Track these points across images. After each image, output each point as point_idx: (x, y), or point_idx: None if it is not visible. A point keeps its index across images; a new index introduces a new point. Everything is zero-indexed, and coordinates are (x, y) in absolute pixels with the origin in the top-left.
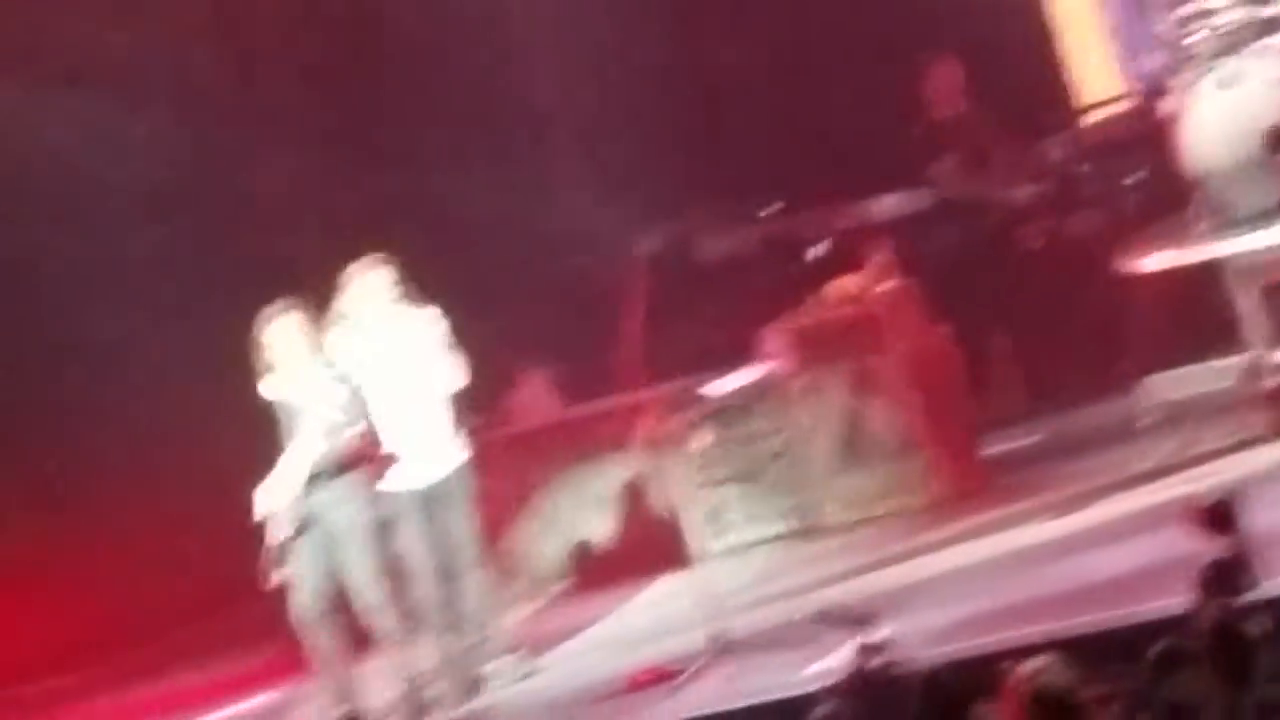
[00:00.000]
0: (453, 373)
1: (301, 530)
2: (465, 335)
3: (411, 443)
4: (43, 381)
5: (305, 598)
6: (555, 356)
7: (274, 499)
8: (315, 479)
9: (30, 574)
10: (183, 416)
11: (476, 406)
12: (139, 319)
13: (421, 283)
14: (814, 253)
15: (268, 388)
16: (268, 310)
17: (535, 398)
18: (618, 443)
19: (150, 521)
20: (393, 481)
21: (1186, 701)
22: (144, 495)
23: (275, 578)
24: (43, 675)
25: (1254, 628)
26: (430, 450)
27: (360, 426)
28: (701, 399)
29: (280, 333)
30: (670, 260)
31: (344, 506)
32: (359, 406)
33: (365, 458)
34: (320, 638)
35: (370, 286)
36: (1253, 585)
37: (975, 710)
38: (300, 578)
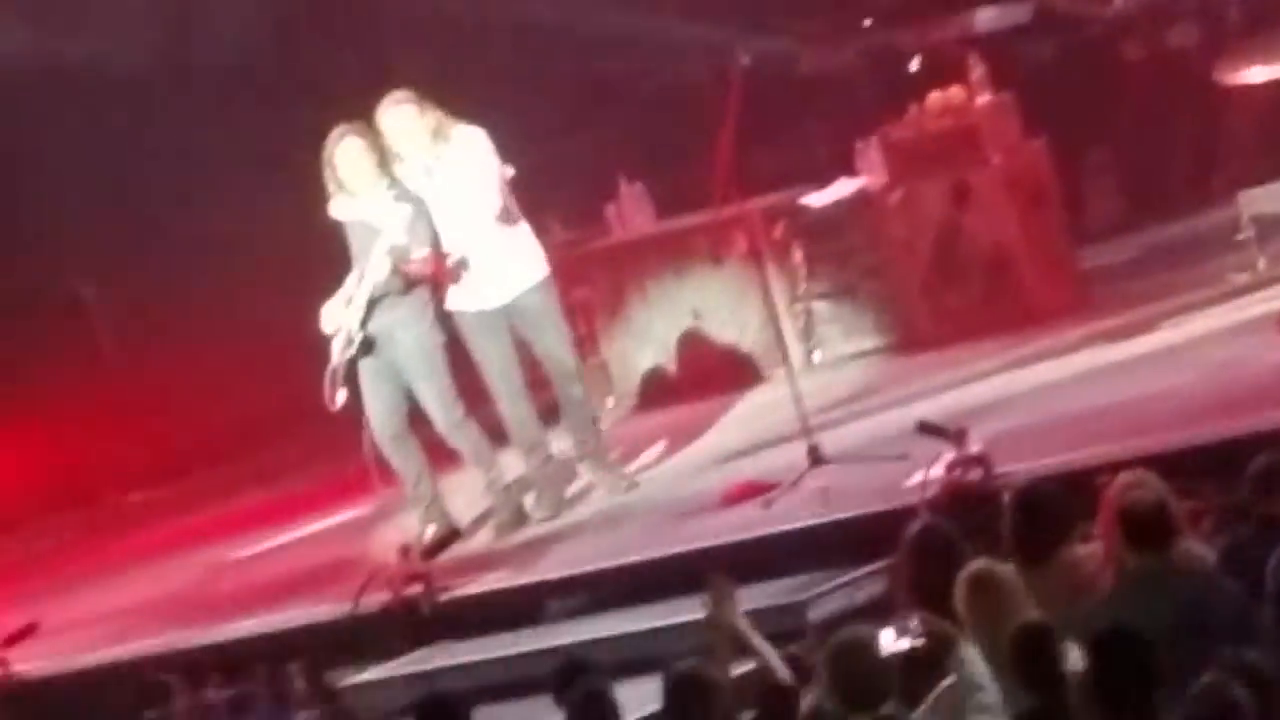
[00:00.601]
0: (497, 194)
1: (368, 352)
2: (563, 149)
3: (483, 263)
4: (136, 202)
5: (378, 420)
6: (653, 169)
7: (338, 319)
8: (380, 301)
9: (125, 391)
10: (263, 237)
11: (573, 219)
12: (215, 134)
13: (518, 96)
14: (913, 66)
15: (336, 208)
16: (336, 131)
17: (632, 210)
18: (714, 256)
19: (239, 342)
20: (467, 302)
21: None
22: (231, 316)
23: (338, 399)
24: (140, 487)
25: None
26: (504, 270)
27: (427, 248)
28: (798, 213)
29: (347, 154)
30: (770, 73)
31: (411, 328)
32: (426, 228)
33: (432, 279)
34: (399, 458)
35: (403, 119)
36: None
37: (1071, 524)
38: (370, 400)
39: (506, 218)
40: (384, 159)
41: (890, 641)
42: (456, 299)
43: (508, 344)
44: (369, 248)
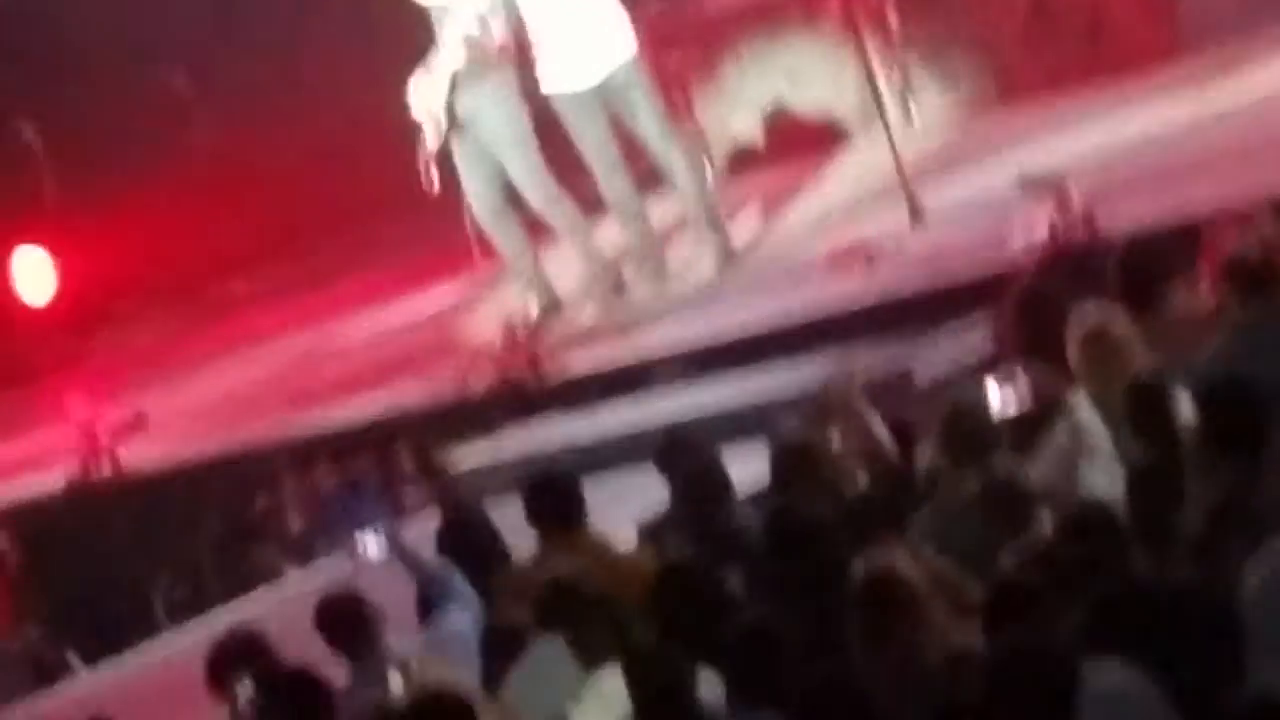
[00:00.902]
0: None
1: (460, 134)
2: None
3: (572, 42)
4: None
5: (475, 199)
6: None
7: (426, 102)
8: (464, 83)
9: (222, 178)
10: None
11: None
12: None
13: None
14: None
15: None
16: None
17: None
18: (808, 16)
19: (336, 126)
20: (559, 83)
21: None
22: (325, 102)
23: (435, 182)
24: (241, 275)
25: None
26: (593, 48)
27: (503, 28)
28: None
29: None
30: None
31: (496, 109)
32: (502, 5)
33: (513, 57)
34: (500, 234)
35: None
36: None
37: (1175, 274)
38: (467, 179)
39: None
40: None
41: (998, 403)
42: (549, 81)
43: (603, 122)
44: (447, 28)
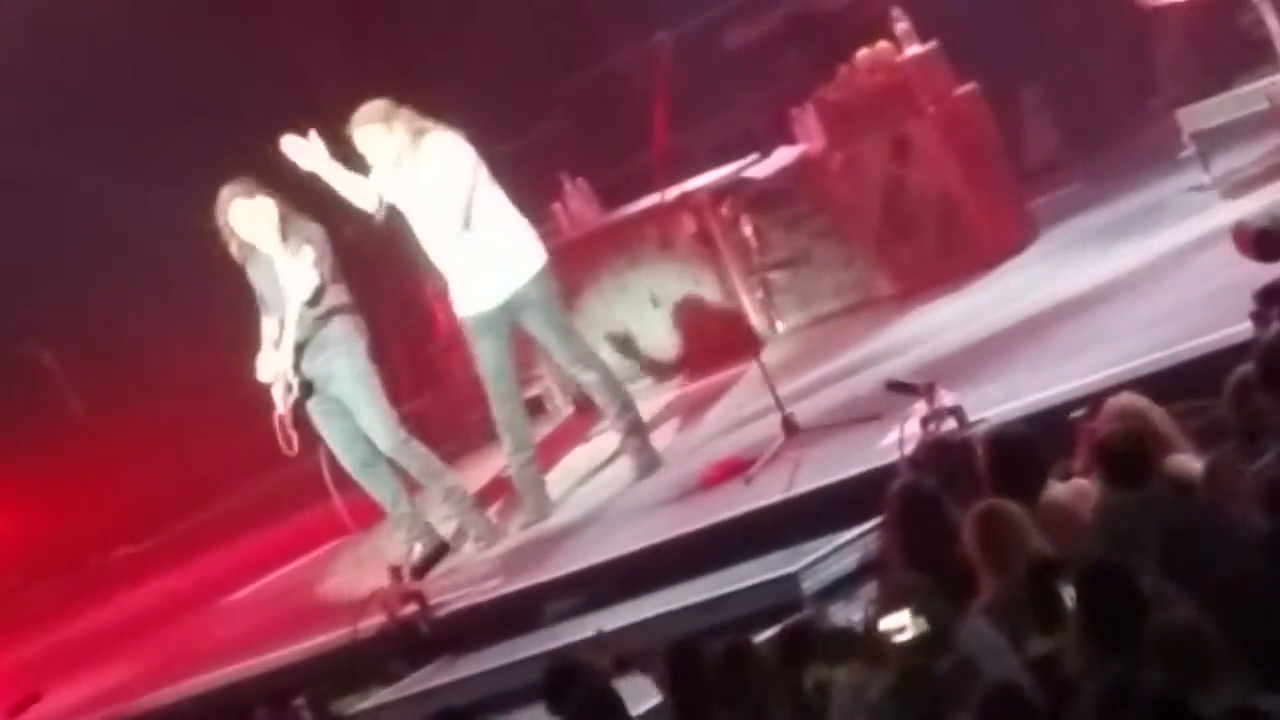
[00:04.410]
0: (471, 198)
1: (310, 393)
2: (503, 154)
3: (472, 267)
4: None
5: (342, 453)
6: (594, 163)
7: (272, 368)
8: (308, 341)
9: (95, 452)
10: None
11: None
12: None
13: (448, 107)
14: (837, 24)
15: (250, 270)
16: (225, 193)
17: (579, 206)
18: (664, 240)
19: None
20: (466, 307)
21: (1261, 426)
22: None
23: (294, 443)
24: (123, 544)
25: None
26: (495, 268)
27: (340, 281)
28: (743, 187)
29: (240, 217)
30: (697, 50)
31: (342, 359)
32: (330, 264)
33: (349, 308)
34: (371, 485)
35: (369, 139)
36: None
37: (1047, 463)
38: (327, 437)
39: (489, 218)
40: (283, 210)
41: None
42: (458, 305)
43: (503, 345)
44: (278, 293)
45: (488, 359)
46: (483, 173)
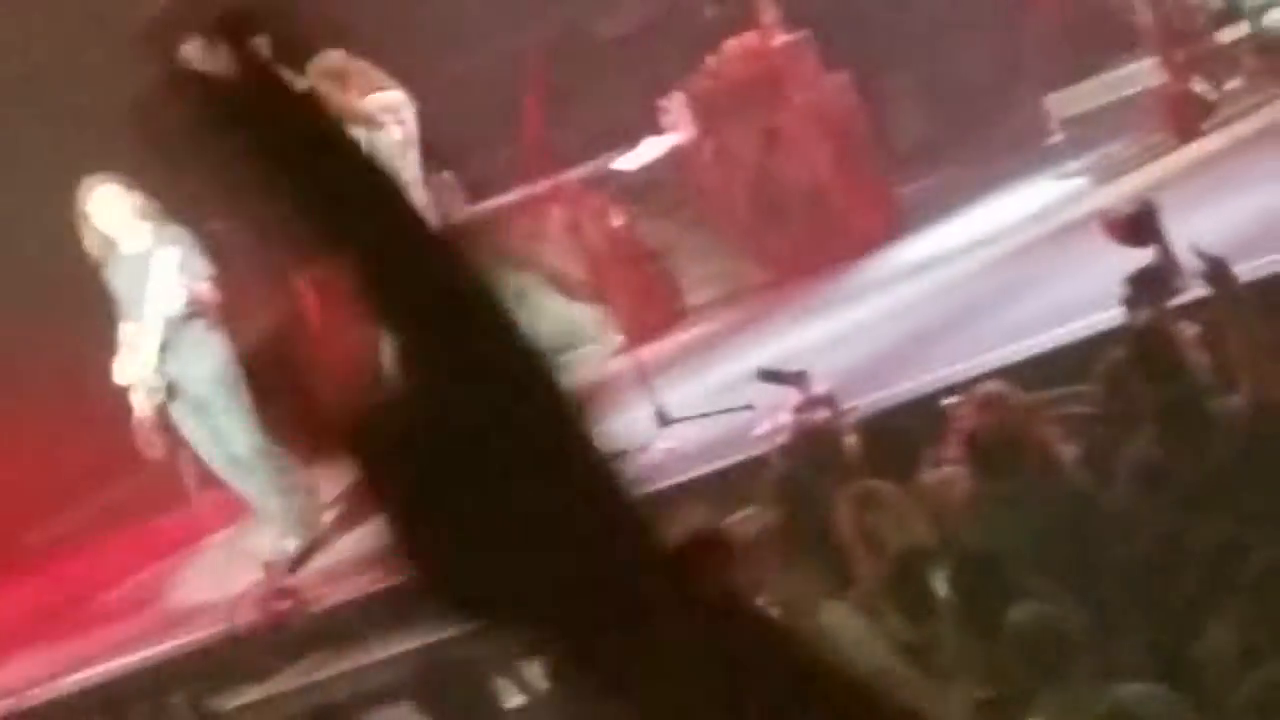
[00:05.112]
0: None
1: (174, 395)
2: None
3: None
4: None
5: (207, 455)
6: (458, 157)
7: (131, 372)
8: (169, 343)
9: None
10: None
11: None
12: None
13: None
14: (708, 13)
15: (109, 269)
16: (86, 182)
17: (444, 201)
18: (535, 235)
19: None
20: None
21: (1134, 411)
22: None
23: (157, 445)
24: None
25: (1183, 330)
26: None
27: (203, 281)
28: (613, 178)
29: (100, 204)
30: (568, 42)
31: (205, 362)
32: (198, 261)
33: (214, 309)
34: (240, 483)
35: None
36: (1178, 290)
37: (919, 451)
38: (195, 436)
39: None
40: (147, 207)
41: None
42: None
43: None
44: (140, 294)
45: None
46: None
